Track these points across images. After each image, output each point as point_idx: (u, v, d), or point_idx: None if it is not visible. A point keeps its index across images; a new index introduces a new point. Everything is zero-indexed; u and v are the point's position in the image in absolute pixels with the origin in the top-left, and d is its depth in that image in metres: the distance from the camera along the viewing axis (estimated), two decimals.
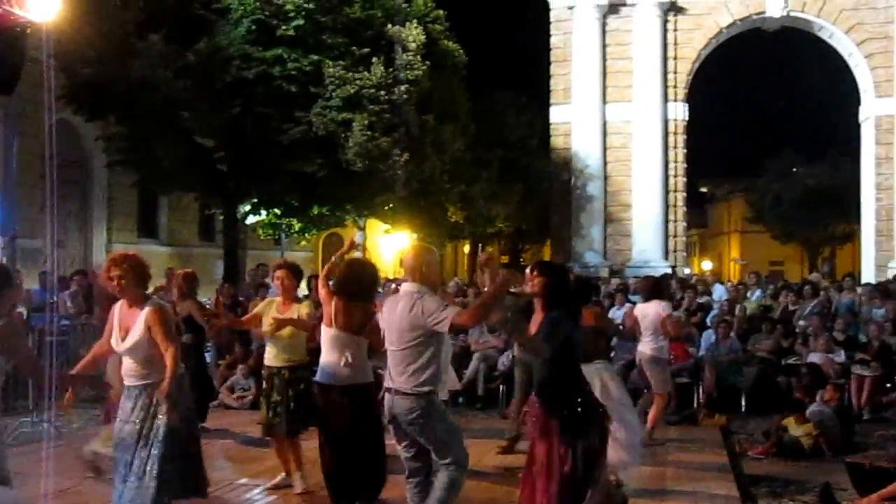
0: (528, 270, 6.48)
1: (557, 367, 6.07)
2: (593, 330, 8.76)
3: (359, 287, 7.14)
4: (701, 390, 14.02)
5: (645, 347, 11.06)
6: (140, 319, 6.38)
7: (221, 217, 25.95)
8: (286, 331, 8.24)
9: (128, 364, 6.45)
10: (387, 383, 6.35)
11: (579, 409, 6.03)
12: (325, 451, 7.19)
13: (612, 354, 12.28)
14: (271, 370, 8.36)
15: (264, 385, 8.46)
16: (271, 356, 8.39)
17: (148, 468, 6.47)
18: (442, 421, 6.28)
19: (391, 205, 26.50)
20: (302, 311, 8.24)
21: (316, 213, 25.21)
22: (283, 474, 8.60)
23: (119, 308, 6.55)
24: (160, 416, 6.41)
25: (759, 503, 8.63)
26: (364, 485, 7.11)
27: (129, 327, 6.42)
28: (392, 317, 6.30)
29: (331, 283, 7.42)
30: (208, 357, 13.63)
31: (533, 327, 6.13)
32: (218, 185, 22.64)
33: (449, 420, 6.41)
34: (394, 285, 11.72)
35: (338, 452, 7.07)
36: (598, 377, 8.35)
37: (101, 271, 6.78)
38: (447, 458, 6.20)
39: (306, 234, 28.32)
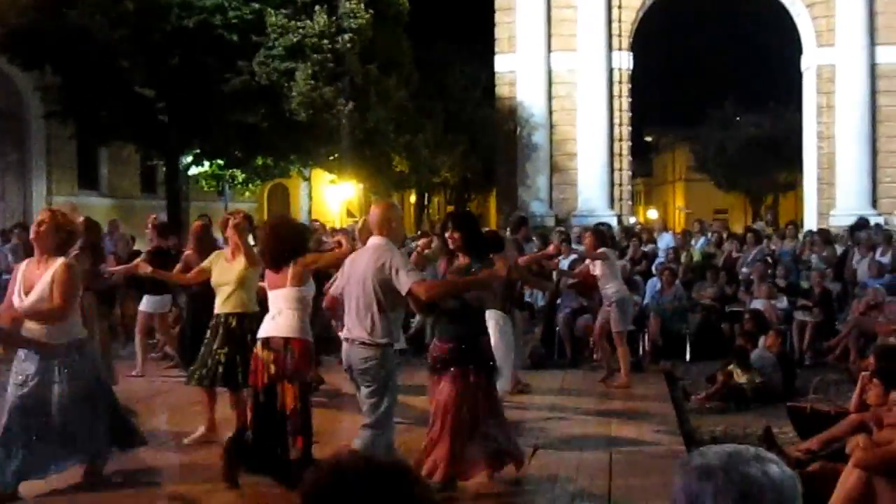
0: (445, 227, 7.24)
1: (470, 314, 6.82)
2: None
3: (281, 255, 6.86)
4: (646, 338, 14.16)
5: (610, 291, 11.48)
6: (47, 275, 6.28)
7: (163, 168, 25.57)
8: (234, 278, 8.12)
9: (30, 324, 6.34)
10: (344, 334, 6.41)
11: (482, 354, 6.86)
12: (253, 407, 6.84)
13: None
14: (218, 318, 8.21)
15: (209, 333, 8.26)
16: (219, 304, 8.25)
17: (58, 432, 6.34)
18: (389, 377, 6.36)
19: (336, 155, 26.28)
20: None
21: (260, 163, 24.97)
22: (203, 428, 8.43)
23: (25, 266, 6.42)
24: (65, 381, 6.32)
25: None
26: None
27: (33, 284, 6.29)
28: (356, 268, 6.37)
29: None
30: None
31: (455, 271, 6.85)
32: (159, 137, 22.29)
33: (395, 382, 6.50)
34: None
35: (263, 409, 6.71)
36: (494, 322, 8.83)
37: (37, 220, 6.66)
38: (372, 417, 6.27)
39: (250, 186, 28.07)
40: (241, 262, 8.16)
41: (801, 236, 19.00)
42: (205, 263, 8.67)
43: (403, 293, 6.19)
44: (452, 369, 6.74)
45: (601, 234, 12.45)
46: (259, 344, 6.75)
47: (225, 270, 8.29)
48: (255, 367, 6.70)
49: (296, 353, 6.56)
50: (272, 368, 6.58)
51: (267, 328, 6.78)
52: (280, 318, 6.65)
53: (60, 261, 6.40)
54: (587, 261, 12.20)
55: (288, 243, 6.83)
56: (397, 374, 6.63)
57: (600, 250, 11.54)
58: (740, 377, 10.94)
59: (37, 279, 6.30)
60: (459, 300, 6.80)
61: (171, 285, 11.18)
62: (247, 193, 30.40)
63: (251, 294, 8.24)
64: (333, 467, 1.83)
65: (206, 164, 25.25)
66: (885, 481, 5.88)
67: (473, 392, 6.79)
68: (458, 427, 6.67)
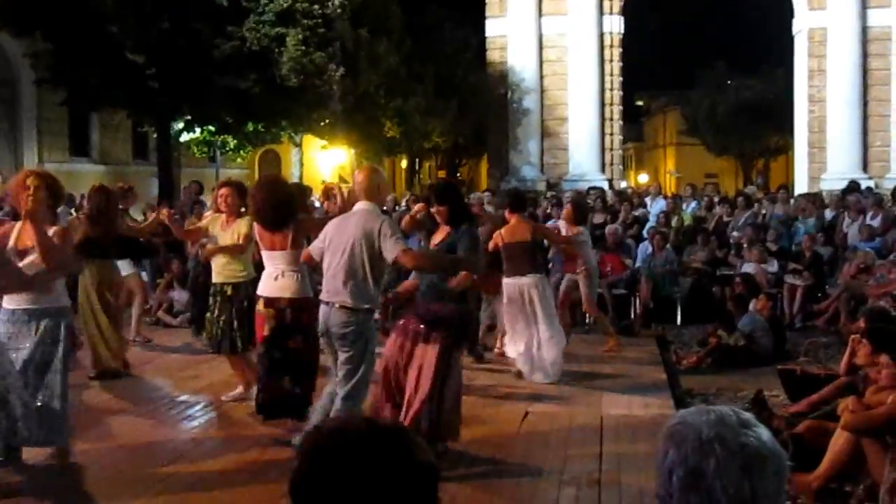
0: (429, 202, 7.45)
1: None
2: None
3: (280, 217, 7.07)
4: (637, 301, 14.23)
5: (580, 262, 11.48)
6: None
7: (154, 135, 25.47)
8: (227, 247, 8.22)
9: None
10: (323, 296, 6.40)
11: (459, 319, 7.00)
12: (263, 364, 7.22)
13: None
14: (215, 287, 8.32)
15: (210, 302, 8.39)
16: (215, 273, 8.35)
17: (45, 398, 6.29)
18: (370, 343, 6.40)
19: (327, 120, 26.20)
20: (240, 229, 8.16)
21: (251, 129, 24.86)
22: (240, 388, 8.58)
23: (18, 227, 6.38)
24: (59, 343, 6.30)
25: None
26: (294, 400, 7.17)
27: (28, 246, 6.26)
28: (341, 232, 6.35)
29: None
30: (145, 276, 13.47)
31: (437, 238, 7.14)
32: (150, 103, 22.17)
33: (374, 349, 6.52)
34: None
35: (276, 364, 7.09)
36: (525, 290, 9.17)
37: (13, 181, 6.65)
38: (348, 385, 6.30)
39: (241, 152, 27.96)
40: (234, 234, 8.21)
41: (791, 200, 19.03)
42: (203, 223, 8.78)
43: (390, 260, 6.22)
44: (435, 334, 6.75)
45: (581, 206, 12.42)
46: (262, 302, 7.06)
47: (220, 238, 8.35)
48: (259, 324, 7.12)
49: (302, 313, 6.95)
50: (274, 324, 6.92)
51: (270, 288, 7.05)
52: (283, 280, 6.86)
53: (55, 229, 6.41)
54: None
55: (287, 205, 6.95)
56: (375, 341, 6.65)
57: (576, 230, 11.50)
58: (730, 341, 11.02)
59: (31, 242, 6.27)
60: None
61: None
62: (238, 160, 30.29)
63: (246, 263, 8.33)
64: (333, 427, 1.84)
65: (198, 130, 25.15)
66: (873, 443, 5.94)
67: (453, 358, 6.89)
68: (438, 390, 6.71)
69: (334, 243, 6.36)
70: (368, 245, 6.18)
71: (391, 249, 6.11)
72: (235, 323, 8.10)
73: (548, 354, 9.57)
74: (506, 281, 9.64)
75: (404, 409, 6.68)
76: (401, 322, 7.00)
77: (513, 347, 9.78)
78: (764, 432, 1.90)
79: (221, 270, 8.28)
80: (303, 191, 10.52)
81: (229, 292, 8.20)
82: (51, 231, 6.34)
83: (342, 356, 6.31)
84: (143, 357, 10.87)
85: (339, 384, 6.36)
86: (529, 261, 9.61)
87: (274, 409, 7.22)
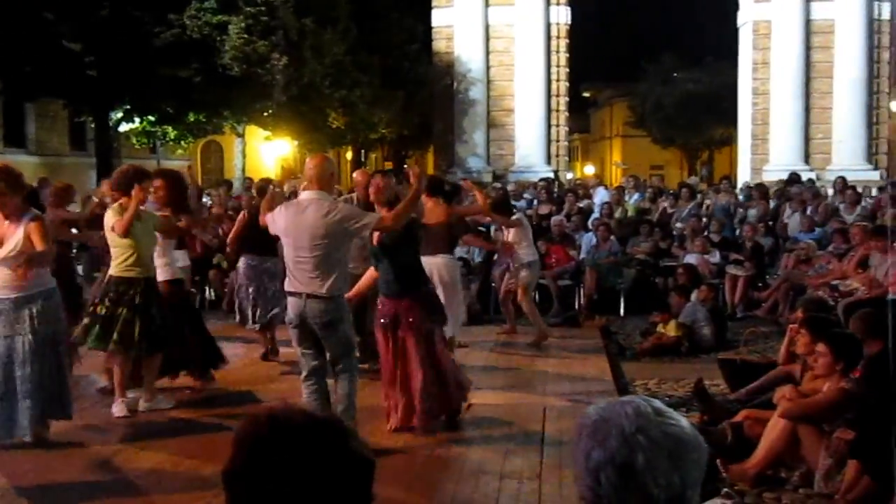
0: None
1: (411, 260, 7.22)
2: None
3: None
4: (582, 292, 14.24)
5: (522, 253, 11.55)
6: (20, 229, 6.32)
7: (93, 125, 25.02)
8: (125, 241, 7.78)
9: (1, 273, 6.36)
10: (291, 288, 6.51)
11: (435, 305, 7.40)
12: None
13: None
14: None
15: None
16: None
17: (20, 386, 6.36)
18: (349, 324, 6.66)
19: (270, 111, 25.98)
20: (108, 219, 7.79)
21: (192, 119, 24.56)
22: None
23: None
24: (33, 330, 6.38)
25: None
26: None
27: (3, 237, 6.33)
28: (298, 223, 6.43)
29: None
30: (80, 269, 13.18)
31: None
32: (87, 92, 21.80)
33: (351, 327, 6.78)
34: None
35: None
36: (436, 269, 9.18)
37: None
38: (344, 365, 6.60)
39: (183, 142, 27.60)
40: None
41: (735, 191, 19.18)
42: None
43: (367, 232, 6.63)
44: (411, 321, 7.08)
45: (500, 200, 12.50)
46: None
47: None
48: None
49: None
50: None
51: None
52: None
53: (30, 219, 6.46)
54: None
55: None
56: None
57: (514, 218, 11.51)
58: (671, 331, 11.07)
59: (8, 233, 6.37)
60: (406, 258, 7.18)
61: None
62: (179, 151, 29.89)
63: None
64: (270, 417, 1.81)
65: (137, 120, 24.77)
66: (808, 429, 6.01)
67: (435, 338, 7.26)
68: (432, 376, 7.12)
69: (295, 236, 6.45)
70: (332, 233, 6.33)
71: (368, 225, 6.47)
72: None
73: None
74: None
75: (406, 401, 7.15)
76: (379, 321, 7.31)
77: None
78: (680, 418, 1.86)
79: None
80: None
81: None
82: (29, 225, 6.41)
83: (329, 343, 6.53)
84: None
85: (337, 368, 6.63)
86: (443, 242, 9.58)
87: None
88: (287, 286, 6.59)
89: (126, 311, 7.51)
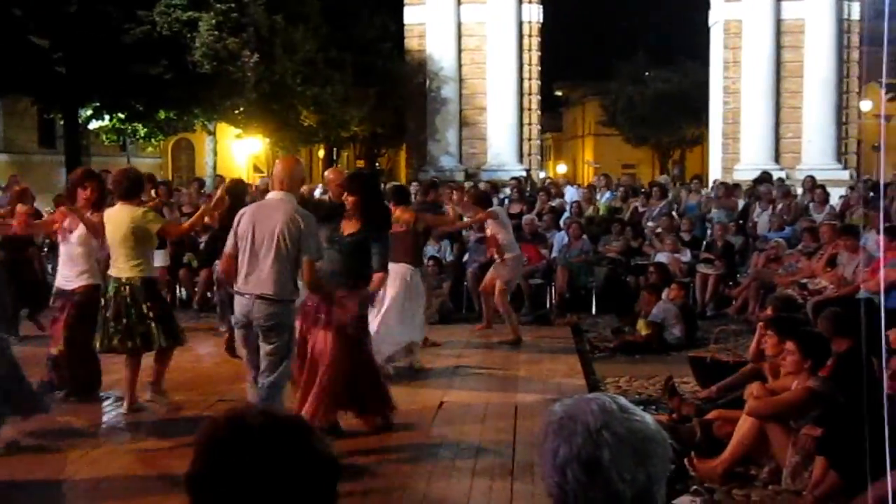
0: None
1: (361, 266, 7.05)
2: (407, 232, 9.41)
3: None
4: (553, 291, 14.26)
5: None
6: None
7: (62, 122, 24.81)
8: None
9: None
10: (242, 288, 6.41)
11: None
12: None
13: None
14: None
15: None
16: None
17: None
18: (292, 334, 6.56)
19: (241, 108, 25.81)
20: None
21: (162, 117, 24.38)
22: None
23: None
24: None
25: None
26: None
27: None
28: (261, 223, 6.36)
29: None
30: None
31: (348, 229, 7.04)
32: (56, 89, 21.61)
33: (294, 337, 6.67)
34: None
35: None
36: (399, 277, 9.13)
37: None
38: (274, 373, 6.42)
39: (153, 140, 27.40)
40: None
41: (705, 190, 19.26)
42: None
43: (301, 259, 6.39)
44: (327, 316, 6.84)
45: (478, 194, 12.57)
46: None
47: None
48: None
49: None
50: None
51: None
52: None
53: None
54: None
55: None
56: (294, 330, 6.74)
57: (490, 209, 11.49)
58: (642, 330, 11.13)
59: None
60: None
61: None
62: (150, 148, 29.69)
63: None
64: (231, 419, 1.80)
65: (107, 117, 24.56)
66: (776, 427, 6.07)
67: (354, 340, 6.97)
68: (340, 374, 6.79)
69: (256, 236, 6.35)
70: (291, 237, 6.27)
71: (304, 251, 6.33)
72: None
73: (384, 346, 9.03)
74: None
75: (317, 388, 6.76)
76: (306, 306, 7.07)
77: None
78: (645, 415, 1.88)
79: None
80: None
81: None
82: None
83: (267, 347, 6.40)
84: None
85: (263, 374, 6.43)
86: (407, 250, 9.49)
87: None
88: (238, 286, 6.49)
89: (135, 312, 7.49)
